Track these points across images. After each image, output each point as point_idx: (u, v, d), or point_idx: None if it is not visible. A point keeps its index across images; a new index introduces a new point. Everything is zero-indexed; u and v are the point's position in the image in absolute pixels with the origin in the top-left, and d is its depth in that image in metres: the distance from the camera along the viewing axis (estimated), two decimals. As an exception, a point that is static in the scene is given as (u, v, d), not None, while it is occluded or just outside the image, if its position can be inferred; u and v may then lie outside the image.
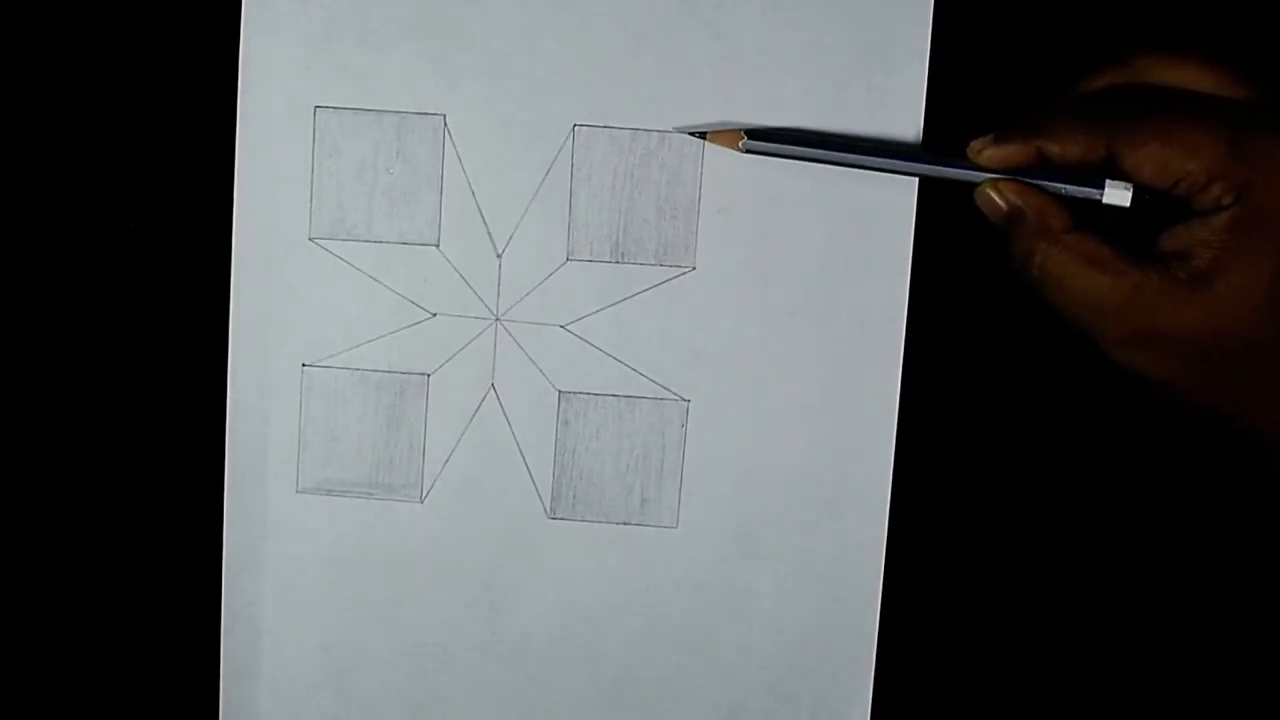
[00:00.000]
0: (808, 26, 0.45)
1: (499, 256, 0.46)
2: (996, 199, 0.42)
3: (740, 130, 0.44)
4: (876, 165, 0.44)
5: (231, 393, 0.46)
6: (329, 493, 0.47)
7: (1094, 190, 0.41)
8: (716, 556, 0.47)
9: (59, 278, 0.48)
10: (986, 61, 0.46)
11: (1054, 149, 0.40)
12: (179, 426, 0.47)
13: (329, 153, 0.46)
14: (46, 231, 0.48)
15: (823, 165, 0.44)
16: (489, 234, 0.46)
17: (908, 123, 0.45)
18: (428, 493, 0.47)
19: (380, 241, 0.46)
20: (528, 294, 0.46)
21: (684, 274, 0.46)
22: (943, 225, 0.46)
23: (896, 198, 0.45)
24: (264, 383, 0.46)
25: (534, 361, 0.46)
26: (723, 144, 0.44)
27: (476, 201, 0.46)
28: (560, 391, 0.46)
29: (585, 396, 0.46)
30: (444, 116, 0.46)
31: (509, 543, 0.47)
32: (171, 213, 0.47)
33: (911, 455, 0.46)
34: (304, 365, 0.46)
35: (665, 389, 0.46)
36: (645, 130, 0.46)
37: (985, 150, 0.42)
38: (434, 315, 0.46)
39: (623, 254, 0.46)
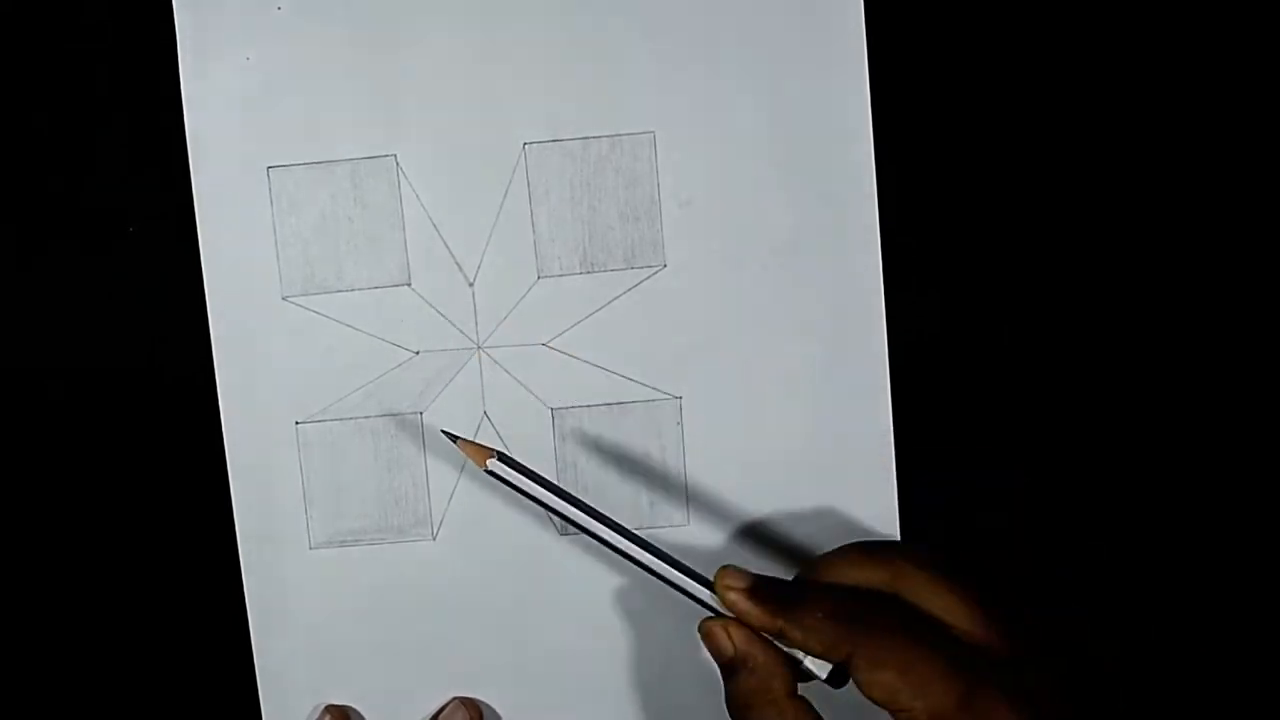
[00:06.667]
0: (741, 9, 0.45)
1: (471, 285, 0.46)
2: (724, 641, 0.40)
3: (492, 451, 0.41)
4: (608, 539, 0.41)
5: (231, 461, 0.47)
6: (342, 544, 0.47)
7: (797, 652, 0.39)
8: (732, 546, 0.47)
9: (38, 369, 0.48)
10: (925, 31, 0.46)
11: (796, 635, 0.39)
12: (183, 505, 0.48)
13: (288, 210, 0.46)
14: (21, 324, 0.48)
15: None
16: (458, 265, 0.46)
17: (854, 98, 0.45)
18: (439, 529, 0.47)
19: (352, 289, 0.46)
20: (505, 318, 0.46)
21: (656, 273, 0.46)
22: (909, 185, 0.46)
23: (856, 164, 0.45)
24: (261, 446, 0.47)
25: (522, 383, 0.46)
26: (471, 455, 0.42)
27: (441, 235, 0.46)
28: (552, 409, 0.46)
29: (578, 410, 0.46)
30: (395, 157, 0.46)
31: (526, 566, 0.47)
32: (142, 291, 0.47)
33: (910, 415, 0.46)
34: (297, 423, 0.47)
35: (656, 390, 0.46)
36: (595, 138, 0.46)
37: (732, 594, 0.40)
38: (417, 353, 0.47)
39: (592, 263, 0.46)
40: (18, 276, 0.48)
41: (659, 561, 0.41)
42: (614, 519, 0.41)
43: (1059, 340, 0.47)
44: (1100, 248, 0.46)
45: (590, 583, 0.47)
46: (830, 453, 0.46)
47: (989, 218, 0.46)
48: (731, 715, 0.40)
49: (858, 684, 0.38)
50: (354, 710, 0.47)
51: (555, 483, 0.42)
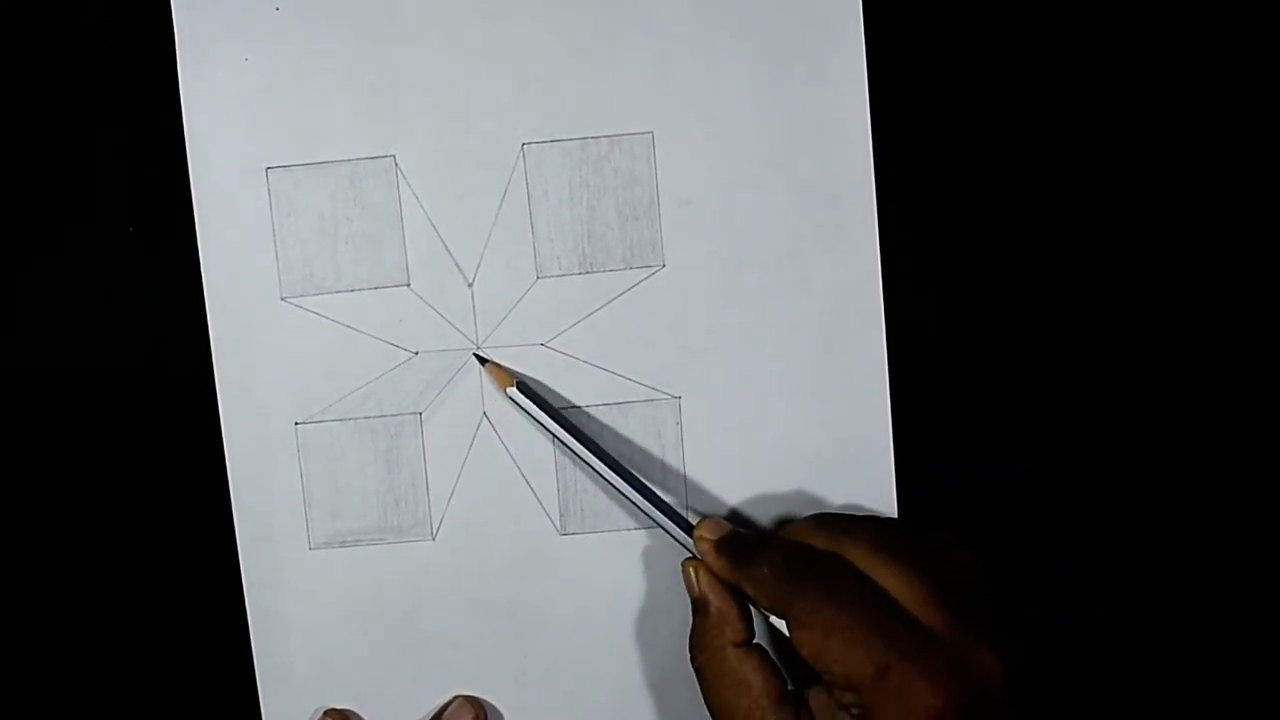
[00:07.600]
0: (740, 9, 0.45)
1: (470, 286, 0.46)
2: (692, 581, 0.43)
3: (513, 376, 0.45)
4: (610, 480, 0.45)
5: (230, 461, 0.47)
6: (342, 544, 0.47)
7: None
8: (731, 547, 0.46)
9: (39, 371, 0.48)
10: (925, 31, 0.46)
11: (748, 589, 0.41)
12: (183, 505, 0.48)
13: (287, 211, 0.46)
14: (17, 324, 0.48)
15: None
16: (457, 265, 0.46)
17: (853, 98, 0.45)
18: (438, 529, 0.47)
19: (351, 290, 0.46)
20: (504, 318, 0.46)
21: (655, 273, 0.46)
22: (908, 184, 0.46)
23: (855, 164, 0.45)
24: (260, 447, 0.47)
25: (521, 383, 0.46)
26: (494, 378, 0.45)
27: (440, 235, 0.46)
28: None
29: (577, 410, 0.46)
30: (394, 157, 0.46)
31: (525, 566, 0.47)
32: (142, 291, 0.47)
33: (910, 413, 0.46)
34: (296, 424, 0.47)
35: (655, 389, 0.46)
36: (594, 138, 0.46)
37: (704, 544, 0.43)
38: (416, 354, 0.47)
39: (591, 264, 0.46)
40: (18, 276, 0.48)
41: (654, 508, 0.44)
42: (620, 462, 0.45)
43: (1057, 333, 0.47)
44: (1097, 242, 0.46)
45: (590, 583, 0.47)
46: (830, 452, 0.46)
47: (987, 215, 0.46)
48: (689, 650, 0.43)
49: (792, 641, 0.39)
50: (354, 714, 0.47)
51: (568, 419, 0.45)
